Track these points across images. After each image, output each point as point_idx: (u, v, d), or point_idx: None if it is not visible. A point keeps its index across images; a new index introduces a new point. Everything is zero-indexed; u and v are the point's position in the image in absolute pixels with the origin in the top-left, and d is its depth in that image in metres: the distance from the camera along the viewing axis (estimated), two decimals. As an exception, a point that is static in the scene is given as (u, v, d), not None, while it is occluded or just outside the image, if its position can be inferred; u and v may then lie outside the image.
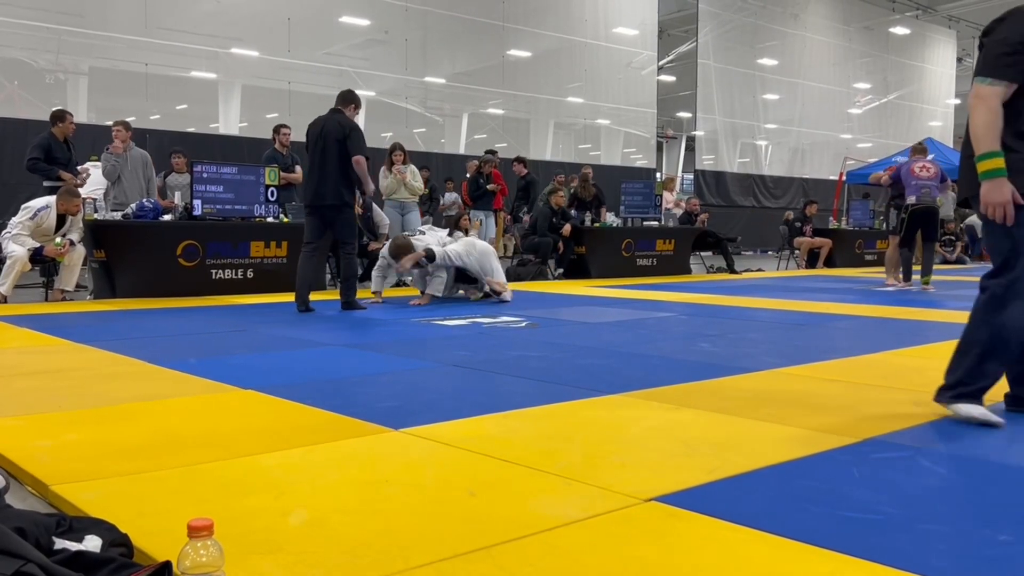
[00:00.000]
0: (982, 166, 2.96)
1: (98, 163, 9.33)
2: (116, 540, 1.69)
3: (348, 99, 7.03)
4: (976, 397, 3.13)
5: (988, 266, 3.23)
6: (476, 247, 8.00)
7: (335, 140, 6.79)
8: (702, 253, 14.37)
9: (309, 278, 7.01)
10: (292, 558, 1.84)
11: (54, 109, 8.96)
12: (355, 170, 6.80)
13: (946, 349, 5.08)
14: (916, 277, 10.04)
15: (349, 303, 7.01)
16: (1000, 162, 2.94)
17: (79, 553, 1.54)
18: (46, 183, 8.59)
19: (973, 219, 18.11)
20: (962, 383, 3.13)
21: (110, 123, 9.78)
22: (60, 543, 1.58)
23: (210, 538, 1.48)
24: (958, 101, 30.01)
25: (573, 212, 12.20)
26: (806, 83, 25.28)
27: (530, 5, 19.26)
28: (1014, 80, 2.99)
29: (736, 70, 23.62)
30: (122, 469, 2.49)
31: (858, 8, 26.08)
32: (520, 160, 13.28)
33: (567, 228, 11.43)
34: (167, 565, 1.52)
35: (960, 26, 29.04)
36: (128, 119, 9.76)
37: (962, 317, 6.69)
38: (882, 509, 2.20)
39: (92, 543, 1.63)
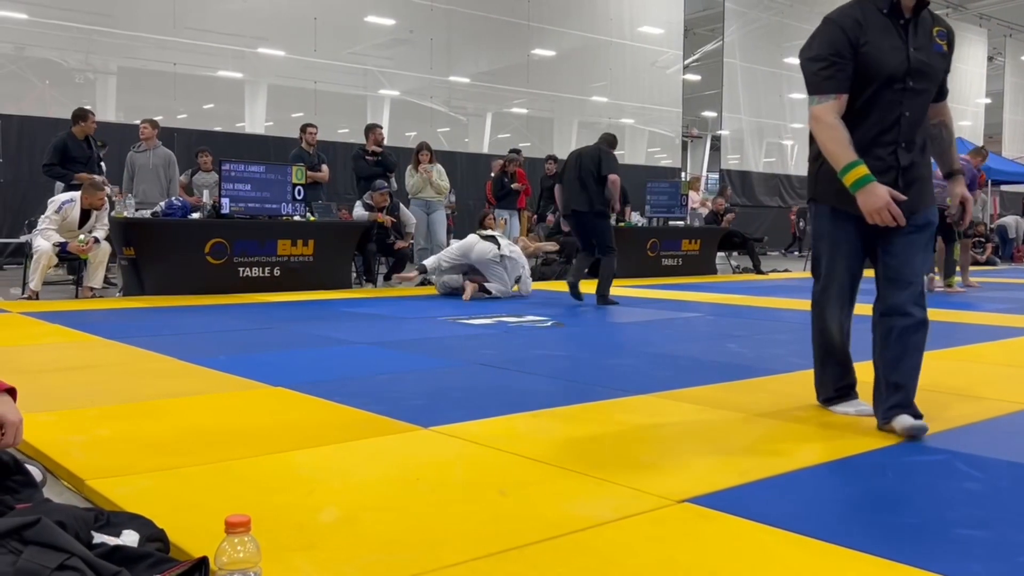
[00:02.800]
0: (847, 179, 2.89)
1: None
2: (153, 535, 1.70)
3: (612, 142, 8.12)
4: (845, 396, 3.30)
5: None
6: (472, 254, 8.20)
7: (589, 158, 7.77)
8: (728, 253, 14.28)
9: (577, 274, 8.08)
10: (325, 555, 1.85)
11: (76, 108, 8.99)
12: (608, 187, 7.69)
13: (977, 351, 5.05)
14: (933, 276, 9.83)
15: (603, 296, 7.85)
16: (863, 170, 2.88)
17: (117, 547, 1.55)
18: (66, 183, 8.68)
19: (1006, 219, 17.87)
20: (825, 387, 3.35)
21: (138, 122, 9.87)
22: (99, 537, 1.59)
23: (247, 534, 1.49)
24: (988, 100, 29.61)
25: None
26: (833, 82, 25.00)
27: (555, 4, 19.22)
28: (839, 90, 2.95)
29: (762, 69, 23.44)
30: (155, 465, 2.52)
31: (887, 6, 25.76)
32: (552, 159, 13.28)
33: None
34: (204, 561, 1.53)
35: (991, 24, 28.64)
36: (156, 118, 9.85)
37: (993, 319, 6.65)
38: (917, 513, 2.18)
39: (129, 538, 1.64)
